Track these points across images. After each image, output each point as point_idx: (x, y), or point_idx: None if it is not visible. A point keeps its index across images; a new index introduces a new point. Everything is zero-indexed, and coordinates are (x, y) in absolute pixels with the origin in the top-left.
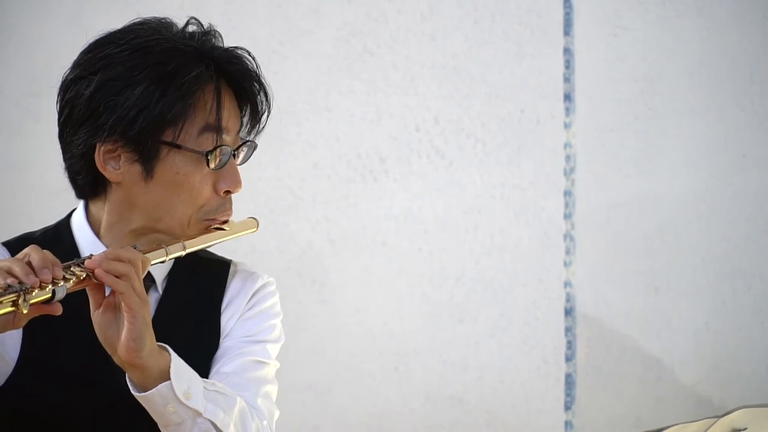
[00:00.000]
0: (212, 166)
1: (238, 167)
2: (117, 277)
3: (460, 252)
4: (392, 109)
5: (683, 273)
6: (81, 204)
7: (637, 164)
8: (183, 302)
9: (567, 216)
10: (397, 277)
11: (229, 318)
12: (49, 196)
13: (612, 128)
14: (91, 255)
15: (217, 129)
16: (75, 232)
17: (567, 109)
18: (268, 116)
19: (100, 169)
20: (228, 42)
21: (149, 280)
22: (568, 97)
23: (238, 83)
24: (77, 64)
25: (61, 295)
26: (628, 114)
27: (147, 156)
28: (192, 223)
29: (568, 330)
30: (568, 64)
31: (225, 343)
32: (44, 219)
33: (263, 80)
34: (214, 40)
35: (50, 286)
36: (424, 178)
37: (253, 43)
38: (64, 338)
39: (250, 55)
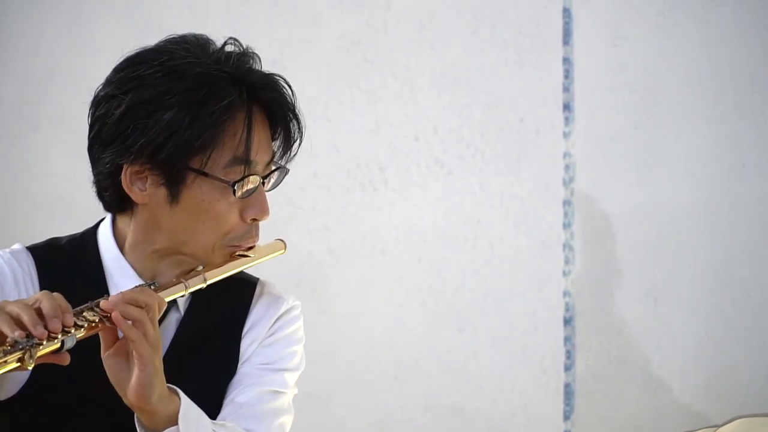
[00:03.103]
0: (238, 195)
1: (268, 193)
2: (131, 321)
3: (459, 261)
4: (392, 119)
5: (683, 282)
6: (108, 216)
7: (636, 173)
8: (204, 325)
9: (566, 225)
10: (396, 287)
11: (250, 344)
12: (48, 204)
13: (611, 137)
14: (107, 296)
15: (245, 161)
16: (100, 244)
17: (566, 119)
18: (299, 145)
19: (126, 190)
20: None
21: (171, 302)
22: (567, 107)
23: (271, 110)
24: (109, 82)
25: (70, 344)
26: (628, 123)
27: (173, 181)
28: (216, 249)
29: (568, 339)
30: (568, 74)
31: (242, 370)
32: (44, 227)
33: (297, 109)
34: (251, 61)
35: (60, 336)
36: (424, 188)
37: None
38: (76, 356)
39: (285, 82)
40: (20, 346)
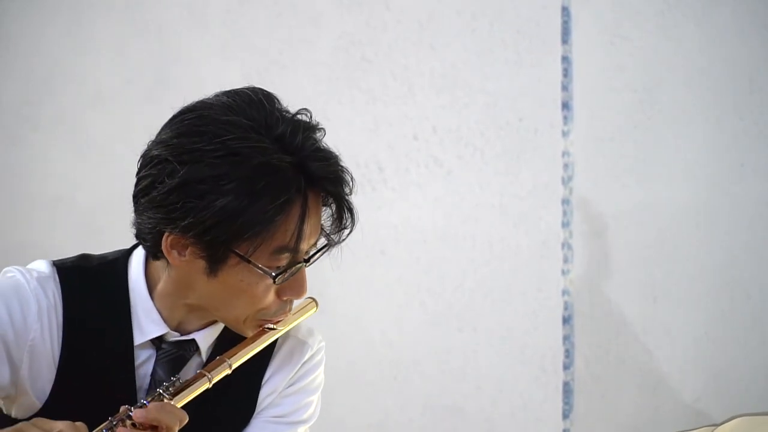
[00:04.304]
0: (278, 281)
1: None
2: None
3: (458, 261)
4: (391, 119)
5: (682, 282)
6: (142, 252)
7: (635, 173)
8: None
9: (565, 225)
10: (395, 286)
11: (268, 394)
12: (47, 204)
13: (610, 137)
14: (127, 409)
15: (293, 250)
16: (131, 281)
17: (565, 118)
18: (350, 233)
19: (165, 252)
20: (227, 51)
21: (193, 348)
22: (566, 106)
23: (326, 198)
24: (165, 144)
25: None
26: (627, 123)
27: (214, 259)
28: (248, 321)
29: (567, 338)
30: (567, 73)
31: (255, 421)
32: (43, 227)
33: (352, 203)
34: (318, 135)
35: None
36: (423, 187)
37: (252, 52)
38: (96, 388)
39: (348, 174)
40: None
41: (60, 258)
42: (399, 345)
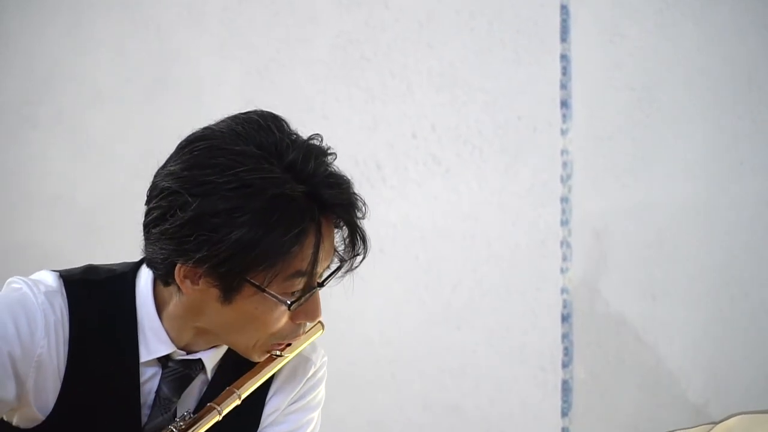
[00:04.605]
0: (293, 308)
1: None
2: None
3: (457, 259)
4: (389, 117)
5: (681, 280)
6: (149, 272)
7: (634, 171)
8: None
9: (564, 223)
10: (394, 285)
11: (272, 412)
12: (46, 203)
13: (609, 135)
14: None
15: (307, 275)
16: (138, 298)
17: (564, 116)
18: (363, 260)
19: (177, 282)
20: (226, 50)
21: (199, 367)
22: (565, 104)
23: (339, 224)
24: (176, 176)
25: None
26: (626, 121)
27: (228, 289)
28: (258, 346)
29: (565, 337)
30: (565, 71)
31: None
32: (42, 226)
33: (364, 230)
34: (330, 159)
35: None
36: (422, 186)
37: (250, 51)
38: (100, 403)
39: (361, 201)
40: None
41: (59, 257)
42: (397, 343)
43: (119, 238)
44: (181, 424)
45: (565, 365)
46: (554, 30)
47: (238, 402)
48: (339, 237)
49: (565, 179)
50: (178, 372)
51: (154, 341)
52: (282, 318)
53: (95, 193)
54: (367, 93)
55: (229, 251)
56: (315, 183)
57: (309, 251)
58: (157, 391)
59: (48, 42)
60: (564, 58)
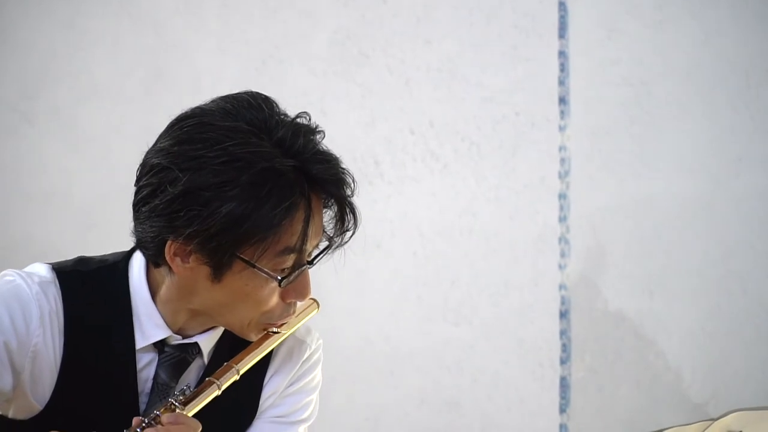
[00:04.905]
0: (284, 285)
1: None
2: None
3: (455, 255)
4: (387, 113)
5: (678, 276)
6: (142, 257)
7: (632, 167)
8: None
9: (562, 219)
10: (392, 281)
11: (269, 395)
12: (43, 199)
13: (607, 131)
14: (142, 423)
15: (297, 251)
16: (132, 284)
17: (562, 112)
18: (352, 235)
19: (167, 260)
20: (223, 45)
21: (195, 351)
22: (563, 100)
23: (329, 200)
24: (166, 152)
25: None
26: (623, 117)
27: (219, 265)
28: (252, 325)
29: (563, 333)
30: (563, 67)
31: (257, 422)
32: (37, 221)
33: (355, 205)
34: (319, 137)
35: None
36: (419, 182)
37: (248, 46)
38: (97, 392)
39: (350, 176)
40: None
41: (55, 253)
42: (395, 339)
43: (115, 234)
44: (181, 398)
45: (563, 361)
46: (552, 26)
47: (236, 377)
48: (327, 217)
49: (562, 175)
50: (175, 356)
51: (150, 326)
52: (273, 296)
53: (91, 188)
54: (365, 89)
55: (219, 225)
56: (304, 159)
57: (299, 226)
58: (155, 378)
59: (44, 37)
60: (562, 54)
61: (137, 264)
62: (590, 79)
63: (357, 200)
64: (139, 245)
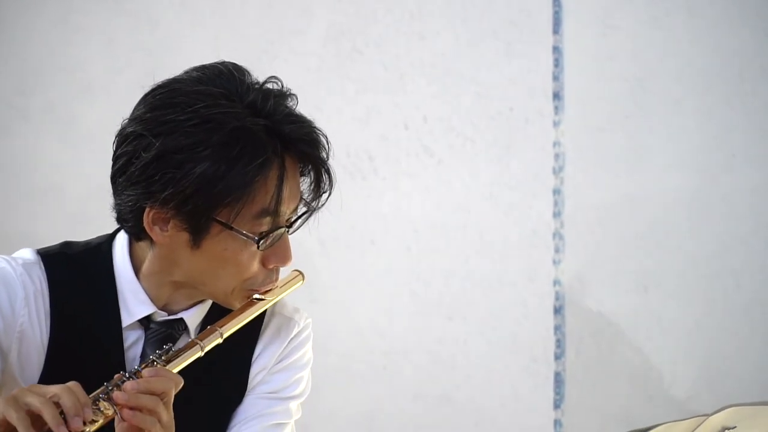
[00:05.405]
0: (262, 248)
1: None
2: (146, 410)
3: (449, 250)
4: (381, 108)
5: (673, 272)
6: (125, 235)
7: (626, 163)
8: (213, 351)
9: (556, 214)
10: (386, 276)
11: (258, 372)
12: (37, 195)
13: (601, 127)
14: (123, 374)
15: (274, 213)
16: (116, 263)
17: (556, 108)
18: (329, 196)
19: (147, 229)
20: (218, 41)
21: (182, 327)
22: (557, 96)
23: (303, 161)
24: (139, 119)
25: None
26: (618, 112)
27: (197, 229)
28: (235, 292)
29: (558, 328)
30: (558, 63)
31: (248, 398)
32: (33, 218)
33: (330, 164)
34: (289, 102)
35: None
36: (413, 177)
37: (242, 42)
38: (85, 372)
39: (321, 134)
40: None
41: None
42: (389, 334)
43: (110, 230)
44: (163, 357)
45: (557, 357)
46: (546, 21)
47: (220, 340)
48: (305, 185)
49: (557, 171)
50: (162, 333)
51: (134, 303)
52: (253, 261)
53: (86, 184)
54: (359, 84)
55: (194, 186)
56: (275, 120)
57: (273, 185)
58: (142, 355)
59: (39, 33)
60: (556, 49)
61: (120, 243)
62: (585, 75)
63: (351, 195)
64: (119, 220)
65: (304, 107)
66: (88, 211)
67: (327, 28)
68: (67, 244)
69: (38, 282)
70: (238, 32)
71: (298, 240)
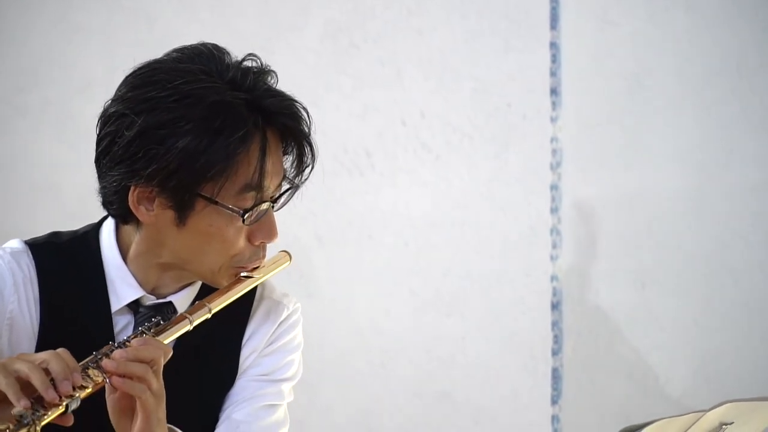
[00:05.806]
0: (248, 222)
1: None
2: (135, 377)
3: (446, 247)
4: (379, 104)
5: (670, 268)
6: (112, 220)
7: (623, 159)
8: (203, 335)
9: (554, 210)
10: (383, 272)
11: (249, 354)
12: (35, 192)
13: (599, 123)
14: (112, 344)
15: (257, 188)
16: (103, 249)
17: (554, 104)
18: (312, 170)
19: (132, 209)
20: (215, 37)
21: (171, 311)
22: (554, 92)
23: (285, 135)
24: (121, 99)
25: (74, 406)
26: (615, 109)
27: (182, 206)
28: (222, 270)
29: (555, 324)
30: (555, 59)
31: (240, 381)
32: (29, 214)
33: (312, 138)
34: (269, 79)
35: (64, 401)
36: (411, 173)
37: (240, 38)
38: (76, 358)
39: (302, 107)
40: (25, 421)
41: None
42: (387, 331)
43: None
44: (152, 329)
45: (554, 353)
46: (544, 17)
47: (208, 315)
48: (289, 163)
49: (554, 167)
50: (151, 317)
51: (123, 287)
52: (239, 236)
53: (84, 181)
54: (357, 80)
55: (177, 161)
56: (256, 95)
57: (255, 158)
58: None
59: (37, 30)
60: (554, 45)
61: (107, 229)
62: (582, 71)
63: (349, 191)
64: (105, 203)
65: (302, 105)
66: (86, 208)
67: (324, 24)
68: (54, 234)
69: (27, 269)
70: (235, 29)
71: (296, 236)
